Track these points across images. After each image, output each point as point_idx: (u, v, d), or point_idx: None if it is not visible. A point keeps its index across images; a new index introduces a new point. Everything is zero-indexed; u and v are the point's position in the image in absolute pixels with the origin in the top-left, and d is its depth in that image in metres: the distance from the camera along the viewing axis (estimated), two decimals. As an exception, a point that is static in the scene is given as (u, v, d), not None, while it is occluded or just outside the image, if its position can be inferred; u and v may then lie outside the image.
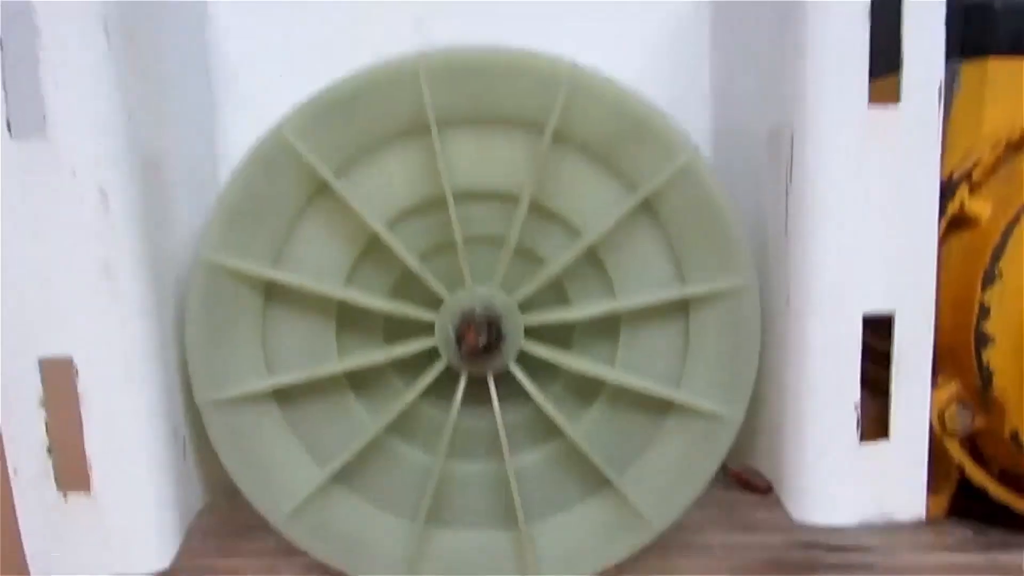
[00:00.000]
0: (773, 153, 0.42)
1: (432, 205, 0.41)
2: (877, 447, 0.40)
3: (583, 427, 0.43)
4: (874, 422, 0.41)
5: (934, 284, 0.39)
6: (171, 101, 0.41)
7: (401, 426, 0.43)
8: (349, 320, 0.42)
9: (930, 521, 0.49)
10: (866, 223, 0.39)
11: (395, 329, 0.43)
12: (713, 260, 0.41)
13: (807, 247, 0.39)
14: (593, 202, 0.41)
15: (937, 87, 0.39)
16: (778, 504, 0.53)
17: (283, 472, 0.42)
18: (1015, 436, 0.47)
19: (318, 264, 0.41)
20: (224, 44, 0.46)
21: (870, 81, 0.40)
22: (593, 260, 0.42)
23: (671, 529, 0.43)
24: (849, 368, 0.39)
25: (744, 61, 0.46)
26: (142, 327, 0.39)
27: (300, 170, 0.40)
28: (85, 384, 0.37)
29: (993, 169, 0.48)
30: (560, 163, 0.41)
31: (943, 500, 0.50)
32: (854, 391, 0.39)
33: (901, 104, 0.39)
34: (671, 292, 0.41)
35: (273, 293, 0.41)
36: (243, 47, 0.46)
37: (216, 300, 0.40)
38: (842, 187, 0.38)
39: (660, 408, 0.43)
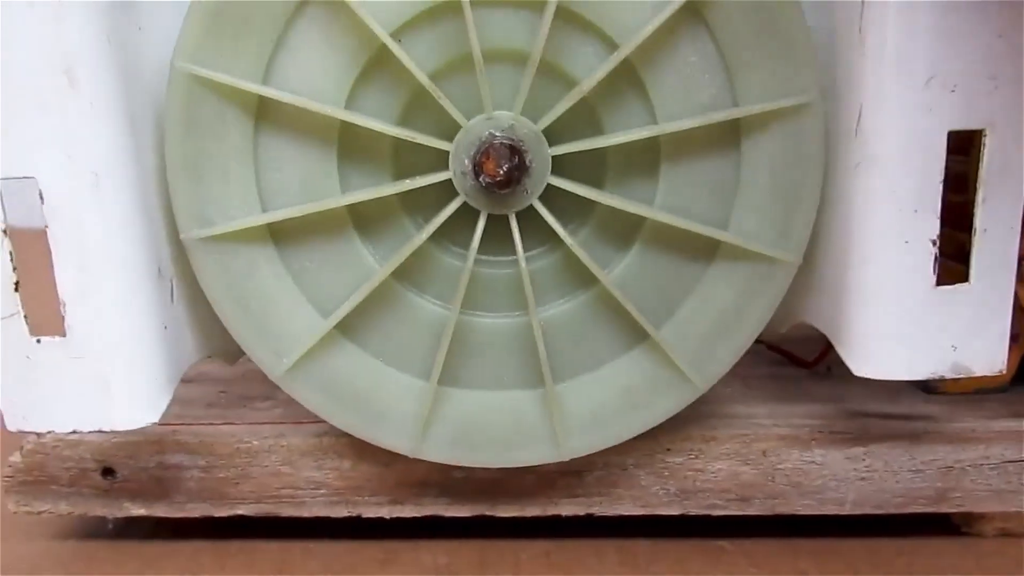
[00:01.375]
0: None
1: (445, 10, 0.35)
2: (955, 292, 0.35)
3: (617, 274, 0.38)
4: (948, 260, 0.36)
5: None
6: None
7: (413, 273, 0.38)
8: (352, 151, 0.37)
9: (997, 390, 0.45)
10: (962, 15, 0.32)
11: (405, 163, 0.38)
12: (771, 73, 0.35)
13: (885, 51, 0.33)
14: (631, 6, 0.35)
15: None
16: (827, 376, 0.49)
17: (282, 321, 0.37)
18: None
19: (314, 81, 0.36)
20: None
21: None
22: (632, 79, 0.36)
23: (713, 394, 0.39)
24: (928, 196, 0.33)
25: None
26: (113, 144, 0.33)
27: (293, -37, 0.34)
28: (51, 209, 0.33)
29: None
30: (594, -42, 0.35)
31: (1010, 367, 0.46)
32: (933, 225, 0.34)
33: None
34: (721, 114, 0.36)
35: (265, 115, 0.36)
36: None
37: (198, 121, 0.35)
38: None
39: (705, 251, 0.38)
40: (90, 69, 0.32)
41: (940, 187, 0.33)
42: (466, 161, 0.36)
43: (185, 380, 0.39)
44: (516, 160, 0.35)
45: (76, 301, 0.34)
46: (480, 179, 0.35)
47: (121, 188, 0.34)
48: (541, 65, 0.36)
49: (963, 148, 0.39)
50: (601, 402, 0.38)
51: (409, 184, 0.36)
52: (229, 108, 0.35)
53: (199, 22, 0.34)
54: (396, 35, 0.36)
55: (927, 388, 0.46)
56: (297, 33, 0.35)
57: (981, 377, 0.45)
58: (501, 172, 0.35)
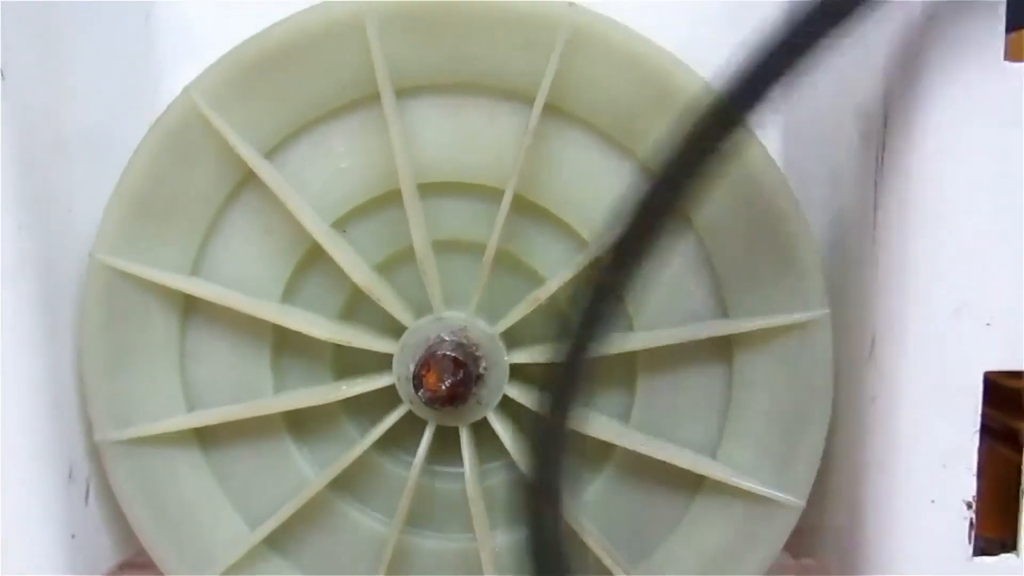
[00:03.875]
0: (863, 134, 0.30)
1: (396, 196, 0.31)
2: (999, 564, 0.27)
3: (587, 500, 0.33)
4: (994, 523, 0.29)
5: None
6: (79, 54, 0.33)
7: (354, 483, 0.34)
8: (289, 346, 0.33)
9: None
10: (996, 231, 0.26)
11: (348, 360, 0.33)
12: (768, 284, 0.30)
13: (904, 268, 0.27)
14: (603, 199, 0.30)
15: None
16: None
17: (203, 532, 0.33)
18: None
19: (249, 271, 0.32)
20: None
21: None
22: (604, 279, 0.31)
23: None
24: (960, 449, 0.27)
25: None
26: (21, 342, 0.31)
27: (219, 152, 0.30)
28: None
29: None
30: (557, 145, 0.30)
31: None
32: (968, 485, 0.27)
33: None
34: (707, 328, 0.30)
35: (193, 308, 0.32)
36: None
37: (119, 316, 0.32)
38: (960, 176, 0.26)
39: (690, 482, 0.32)
40: (-1, 264, 0.30)
41: (975, 439, 0.27)
42: (411, 367, 0.31)
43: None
44: (461, 374, 0.30)
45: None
46: (420, 393, 0.30)
47: (26, 387, 0.31)
48: (504, 258, 0.32)
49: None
50: (562, 651, 0.32)
51: (345, 391, 0.32)
52: (153, 301, 0.32)
53: (121, 209, 0.31)
54: (342, 222, 0.32)
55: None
56: (231, 221, 0.32)
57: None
58: (443, 388, 0.30)
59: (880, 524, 0.28)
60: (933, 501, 0.27)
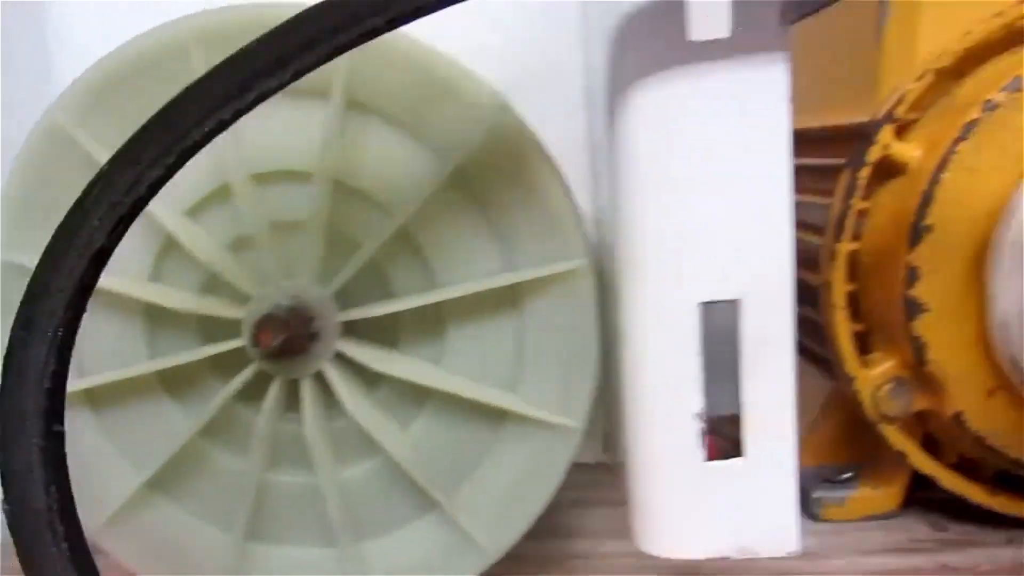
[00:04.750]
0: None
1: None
2: (728, 468, 0.32)
3: (411, 437, 0.38)
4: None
5: (791, 260, 0.31)
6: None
7: (220, 430, 0.39)
8: (160, 317, 0.39)
9: (886, 516, 0.44)
10: (696, 187, 0.31)
11: (211, 325, 0.39)
12: (541, 241, 0.35)
13: (629, 222, 0.32)
14: (404, 176, 0.36)
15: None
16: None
17: (98, 478, 0.39)
18: (958, 417, 0.38)
19: (121, 259, 0.37)
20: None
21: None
22: (412, 243, 0.37)
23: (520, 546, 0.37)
24: (686, 369, 0.32)
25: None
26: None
27: (83, 159, 0.36)
28: None
29: (925, 105, 0.39)
30: (360, 133, 0.36)
31: (896, 492, 0.43)
32: (694, 398, 0.32)
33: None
34: (494, 280, 0.35)
35: (76, 290, 0.39)
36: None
37: (14, 302, 0.38)
38: (661, 146, 0.30)
39: (496, 416, 0.37)
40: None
41: (698, 360, 0.32)
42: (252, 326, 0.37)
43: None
44: (290, 332, 0.36)
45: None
46: (257, 350, 0.36)
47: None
48: (335, 235, 0.37)
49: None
50: (400, 565, 0.38)
51: (205, 351, 0.38)
52: (41, 286, 0.38)
53: (9, 209, 0.37)
54: (194, 211, 0.38)
55: (812, 516, 0.44)
56: (100, 214, 0.38)
57: (868, 502, 0.43)
58: (275, 344, 0.36)
59: (633, 438, 0.33)
60: (668, 415, 0.32)
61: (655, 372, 0.32)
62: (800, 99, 0.30)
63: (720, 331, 0.32)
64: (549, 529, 0.42)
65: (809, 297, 0.40)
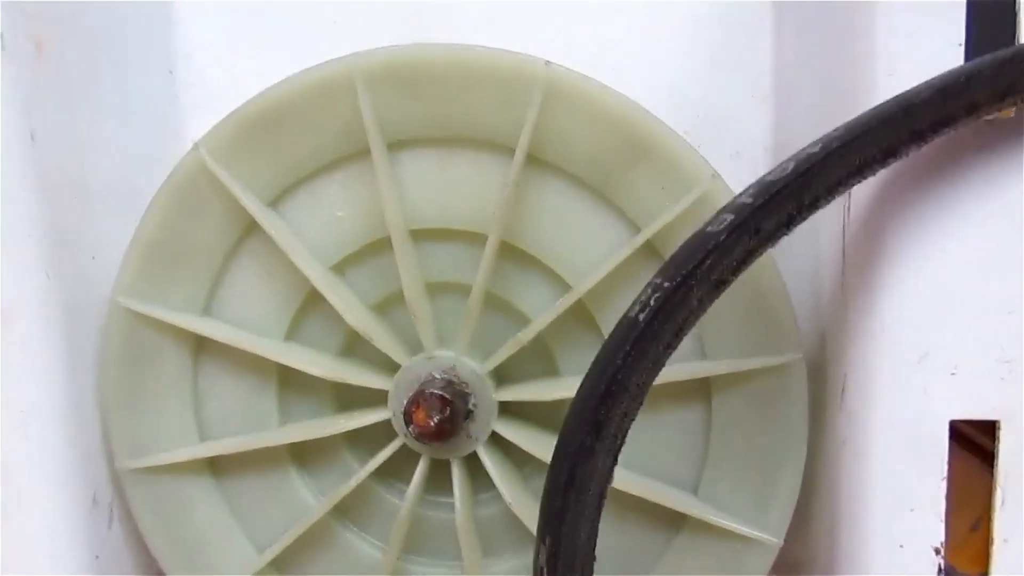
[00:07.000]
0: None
1: (390, 243, 0.33)
2: (971, 612, 0.28)
3: (572, 532, 0.34)
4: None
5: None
6: (102, 115, 0.36)
7: (353, 511, 0.36)
8: (293, 381, 0.35)
9: None
10: (963, 285, 0.26)
11: (349, 392, 0.35)
12: (743, 328, 0.31)
13: (871, 319, 0.27)
14: (583, 244, 0.32)
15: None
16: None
17: (214, 553, 0.35)
18: None
19: (255, 315, 0.34)
20: (189, 41, 0.40)
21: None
22: (586, 318, 0.32)
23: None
24: (928, 495, 0.27)
25: (810, 49, 0.34)
26: (48, 382, 0.33)
27: (225, 203, 0.33)
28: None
29: None
30: (538, 193, 0.31)
31: None
32: (936, 530, 0.27)
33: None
34: (683, 368, 0.31)
35: (204, 346, 0.35)
36: (212, 41, 0.39)
37: (136, 354, 0.34)
38: (922, 231, 0.26)
39: (673, 518, 0.33)
40: (24, 306, 0.33)
41: (943, 485, 0.27)
42: (403, 403, 0.33)
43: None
44: (448, 411, 0.32)
45: (5, 532, 0.34)
46: (410, 429, 0.32)
47: (52, 422, 0.33)
48: (492, 300, 0.33)
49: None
50: None
51: (343, 425, 0.34)
52: (167, 341, 0.34)
53: (138, 256, 0.34)
54: (341, 266, 0.34)
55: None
56: (238, 267, 0.34)
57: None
58: (431, 424, 0.32)
59: (853, 567, 0.29)
60: (902, 546, 0.28)
61: (895, 496, 0.27)
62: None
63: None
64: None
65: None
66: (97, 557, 0.35)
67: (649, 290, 0.24)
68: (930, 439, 0.27)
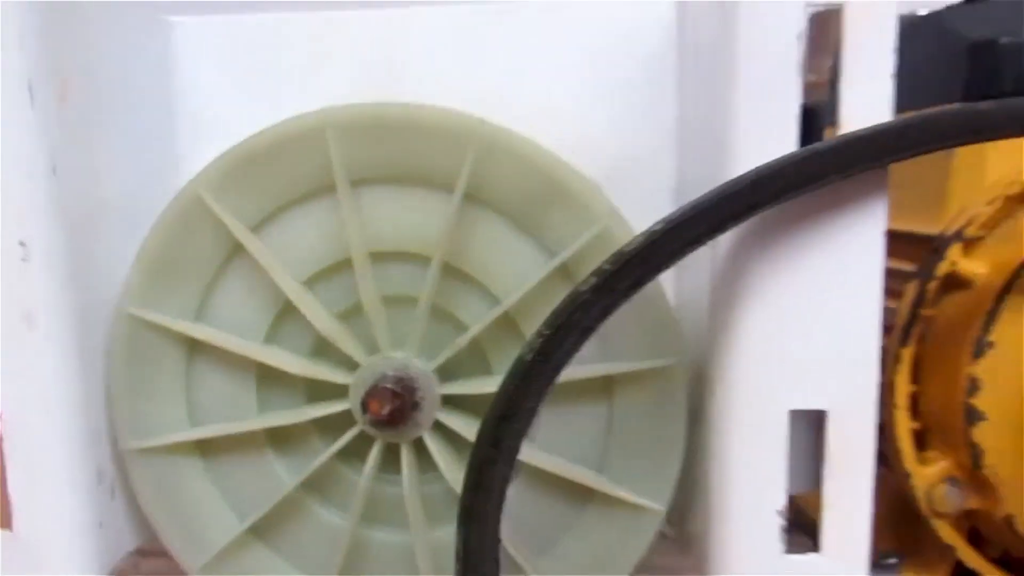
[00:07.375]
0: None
1: (352, 263, 0.40)
2: (805, 560, 0.35)
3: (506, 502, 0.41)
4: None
5: (876, 378, 0.34)
6: (112, 149, 0.42)
7: (319, 486, 0.42)
8: (271, 376, 0.42)
9: None
10: (801, 305, 0.34)
11: (317, 386, 0.42)
12: (639, 336, 0.38)
13: (729, 332, 0.35)
14: (510, 266, 0.39)
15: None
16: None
17: (203, 522, 0.42)
18: (1009, 520, 0.41)
19: (240, 320, 0.41)
20: (187, 87, 0.47)
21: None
22: (513, 327, 0.40)
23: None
24: (773, 468, 0.34)
25: (702, 100, 0.42)
26: (65, 375, 0.40)
27: (216, 228, 0.39)
28: (8, 427, 0.39)
29: (992, 225, 0.42)
30: (475, 225, 0.39)
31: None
32: (779, 495, 0.34)
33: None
34: (590, 368, 0.38)
35: (196, 347, 0.41)
36: (210, 82, 0.46)
37: (139, 353, 0.41)
38: (771, 264, 0.33)
39: (582, 493, 0.40)
40: (45, 311, 0.39)
41: (784, 462, 0.34)
42: (361, 396, 0.40)
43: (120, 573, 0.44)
44: (399, 403, 0.39)
45: (23, 500, 0.40)
46: (366, 417, 0.39)
47: (66, 408, 0.40)
48: (437, 311, 0.40)
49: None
50: (481, 624, 0.41)
51: (312, 413, 0.41)
52: (165, 342, 0.41)
53: (142, 270, 0.40)
54: (311, 282, 0.41)
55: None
56: (226, 281, 0.41)
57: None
58: (384, 413, 0.39)
59: (716, 527, 0.36)
60: (751, 508, 0.35)
61: (746, 469, 0.35)
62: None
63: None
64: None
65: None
66: (101, 524, 0.42)
67: (535, 336, 0.32)
68: (775, 424, 0.34)
